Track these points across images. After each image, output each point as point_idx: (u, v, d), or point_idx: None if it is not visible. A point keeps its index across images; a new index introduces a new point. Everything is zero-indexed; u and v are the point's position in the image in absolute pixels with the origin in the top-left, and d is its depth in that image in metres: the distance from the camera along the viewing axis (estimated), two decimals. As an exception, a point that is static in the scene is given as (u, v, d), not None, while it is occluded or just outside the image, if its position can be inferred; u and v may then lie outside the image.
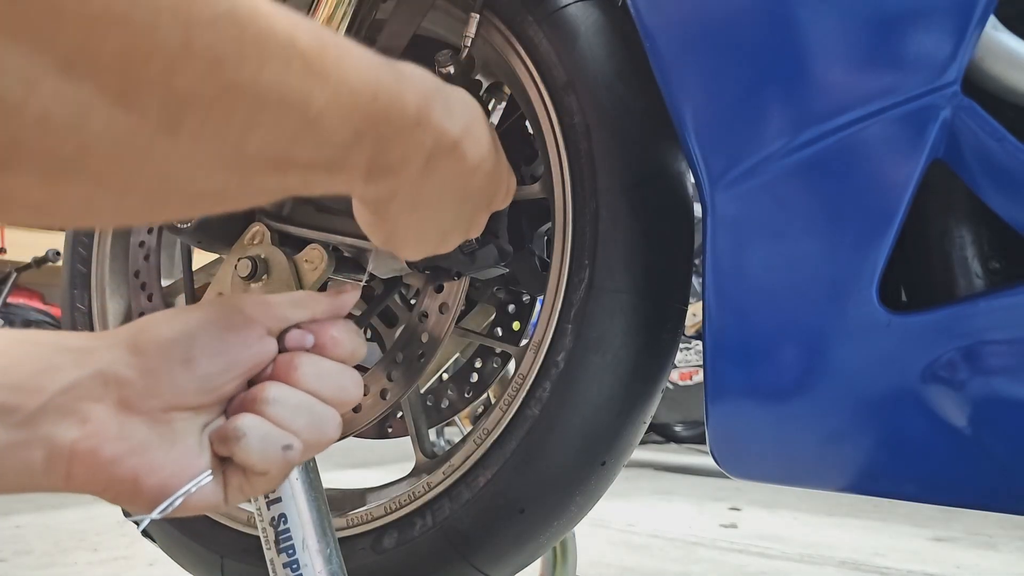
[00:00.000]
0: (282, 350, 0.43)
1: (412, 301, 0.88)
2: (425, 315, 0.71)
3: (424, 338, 0.71)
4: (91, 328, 0.89)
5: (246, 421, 0.39)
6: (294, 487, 0.59)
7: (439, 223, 0.50)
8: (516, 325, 0.91)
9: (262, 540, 0.59)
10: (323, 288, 0.69)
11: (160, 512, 0.37)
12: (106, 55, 0.24)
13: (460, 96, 0.46)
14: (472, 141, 0.46)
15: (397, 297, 0.83)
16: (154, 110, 0.27)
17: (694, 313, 2.28)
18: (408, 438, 0.81)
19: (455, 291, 0.71)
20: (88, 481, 0.37)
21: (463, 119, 0.45)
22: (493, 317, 0.91)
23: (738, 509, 2.07)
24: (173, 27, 0.25)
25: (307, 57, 0.31)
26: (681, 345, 1.60)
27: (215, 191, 0.32)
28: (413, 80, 0.41)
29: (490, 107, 0.89)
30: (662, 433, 3.51)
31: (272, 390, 0.41)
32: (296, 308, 0.44)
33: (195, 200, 0.33)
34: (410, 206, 0.45)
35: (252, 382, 0.42)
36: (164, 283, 0.89)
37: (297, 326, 0.44)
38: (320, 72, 0.32)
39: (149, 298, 0.88)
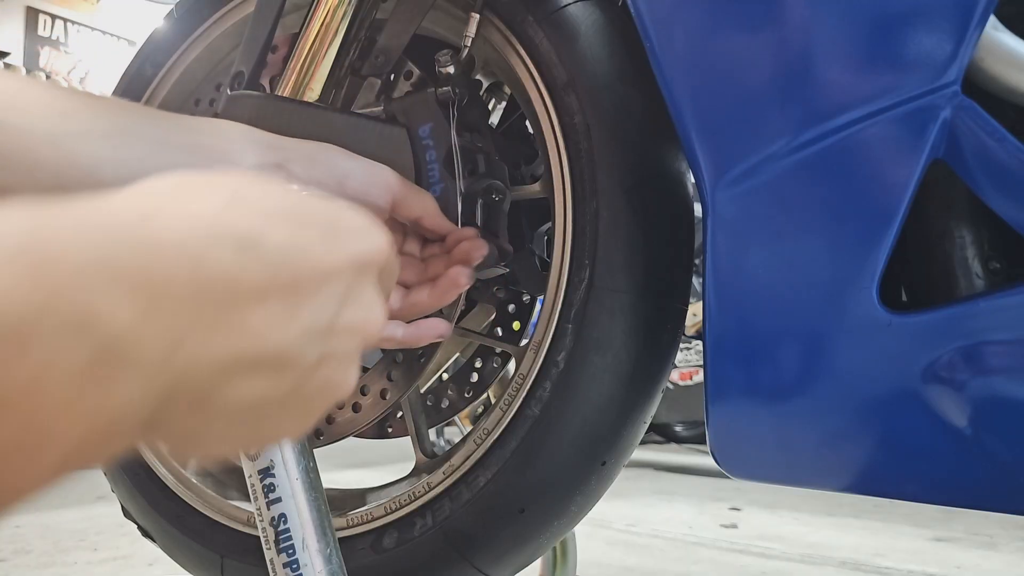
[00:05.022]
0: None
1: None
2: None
3: (424, 338, 0.71)
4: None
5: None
6: (294, 487, 0.59)
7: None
8: (516, 325, 0.91)
9: (262, 540, 0.59)
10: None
11: None
12: None
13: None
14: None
15: (397, 297, 0.83)
16: None
17: (694, 313, 2.27)
18: (408, 438, 0.81)
19: (455, 291, 0.70)
20: None
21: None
22: (493, 317, 0.91)
23: (738, 509, 2.07)
24: None
25: None
26: (681, 345, 1.59)
27: None
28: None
29: (490, 107, 0.89)
30: (662, 433, 3.51)
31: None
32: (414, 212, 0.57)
33: None
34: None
35: None
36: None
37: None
38: None
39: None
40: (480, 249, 0.58)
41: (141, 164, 0.45)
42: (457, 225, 0.61)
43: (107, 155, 0.44)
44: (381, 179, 0.55)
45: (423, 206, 0.58)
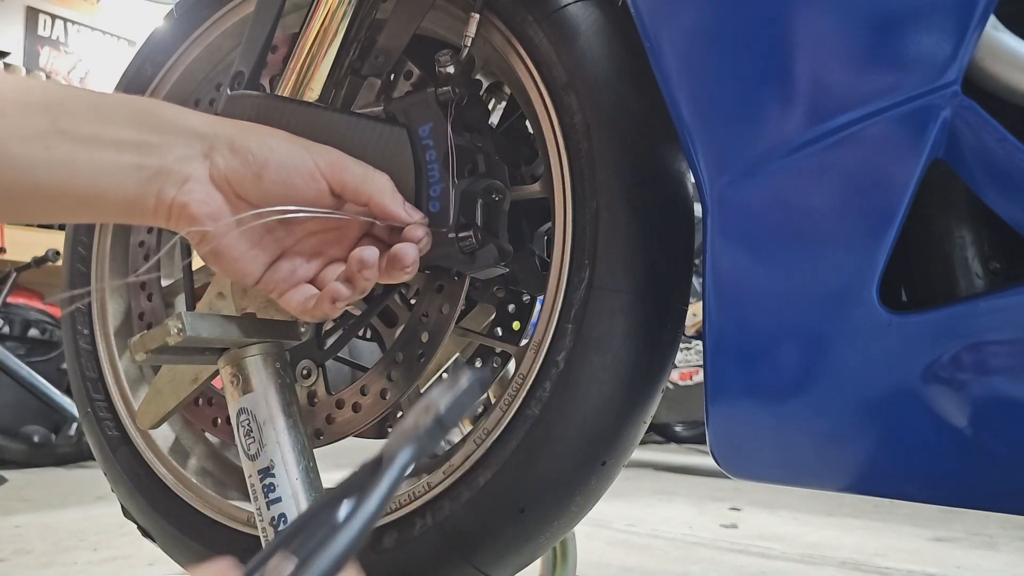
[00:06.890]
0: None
1: (412, 301, 0.88)
2: (425, 315, 0.71)
3: (424, 338, 0.71)
4: (90, 329, 0.89)
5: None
6: (294, 487, 0.59)
7: None
8: (516, 325, 0.91)
9: (262, 540, 0.59)
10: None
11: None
12: None
13: None
14: None
15: (397, 297, 0.83)
16: None
17: (694, 313, 2.27)
18: (408, 438, 0.81)
19: (455, 291, 0.70)
20: (178, 223, 0.53)
21: None
22: (493, 317, 0.91)
23: (738, 509, 2.07)
24: None
25: None
26: (681, 345, 1.59)
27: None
28: None
29: (490, 107, 0.89)
30: (662, 433, 3.51)
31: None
32: (364, 192, 0.56)
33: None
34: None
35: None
36: (164, 283, 0.89)
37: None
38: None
39: (149, 298, 0.88)
40: (404, 260, 0.55)
41: (73, 165, 0.47)
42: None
43: (40, 155, 0.46)
44: (303, 168, 0.54)
45: (368, 194, 0.56)
